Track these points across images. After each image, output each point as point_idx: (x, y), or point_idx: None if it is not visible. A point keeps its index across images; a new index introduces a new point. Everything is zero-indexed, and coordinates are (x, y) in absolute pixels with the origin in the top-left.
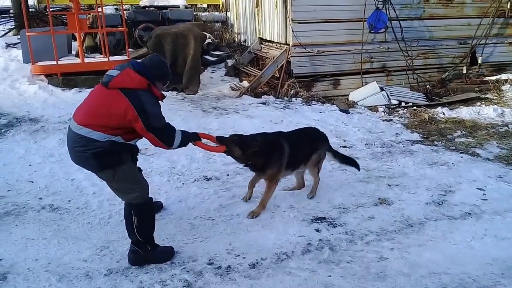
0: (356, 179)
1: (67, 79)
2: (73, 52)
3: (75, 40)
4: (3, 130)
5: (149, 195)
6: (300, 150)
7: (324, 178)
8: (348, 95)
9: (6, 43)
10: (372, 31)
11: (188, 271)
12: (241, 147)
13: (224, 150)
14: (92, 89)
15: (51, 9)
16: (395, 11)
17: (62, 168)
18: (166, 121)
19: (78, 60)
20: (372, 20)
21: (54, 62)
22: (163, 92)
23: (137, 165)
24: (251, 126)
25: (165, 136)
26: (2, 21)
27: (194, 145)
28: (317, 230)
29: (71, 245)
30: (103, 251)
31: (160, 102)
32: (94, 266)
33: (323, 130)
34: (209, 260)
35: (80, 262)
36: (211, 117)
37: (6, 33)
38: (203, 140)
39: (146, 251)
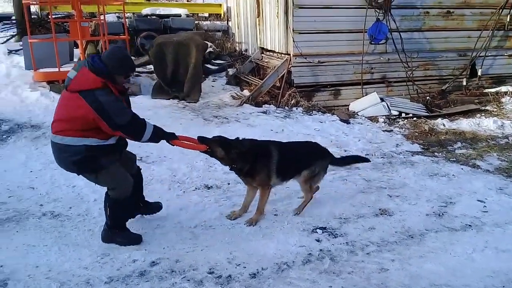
0: (357, 190)
1: None
2: (75, 59)
3: (77, 47)
4: (4, 136)
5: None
6: (292, 161)
7: (325, 187)
8: (348, 105)
9: (8, 49)
10: (372, 42)
11: (188, 280)
12: (224, 148)
13: (205, 149)
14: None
15: (53, 16)
16: (395, 23)
17: (63, 175)
18: (133, 114)
19: None
20: (373, 31)
21: (56, 69)
22: (126, 84)
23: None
24: (251, 135)
25: (132, 130)
26: (5, 28)
27: (172, 145)
28: (318, 240)
29: (71, 252)
30: (104, 258)
31: (122, 95)
32: (94, 273)
33: (323, 140)
34: (210, 269)
35: (81, 269)
36: (212, 125)
37: (8, 39)
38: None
39: (113, 233)
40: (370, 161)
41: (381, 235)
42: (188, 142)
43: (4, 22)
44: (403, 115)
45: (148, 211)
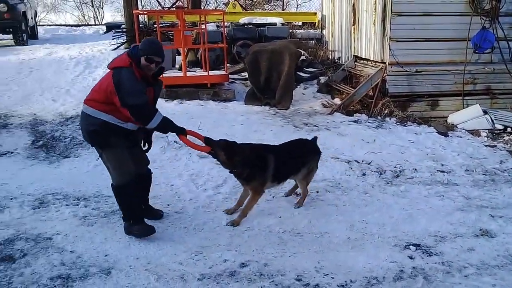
0: (455, 207)
1: (170, 91)
2: (177, 66)
3: (179, 54)
4: None
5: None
6: (289, 163)
7: (419, 203)
8: (447, 117)
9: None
10: (477, 51)
11: (276, 285)
12: (227, 153)
13: (208, 151)
14: None
15: (159, 25)
16: (503, 31)
17: (162, 174)
18: (146, 101)
19: (181, 74)
20: (478, 40)
21: None
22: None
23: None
24: (342, 144)
25: (140, 113)
26: (116, 36)
27: (179, 140)
28: (411, 257)
29: (168, 247)
30: (197, 255)
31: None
32: (188, 269)
33: (418, 153)
34: (297, 276)
35: (176, 264)
36: (302, 133)
37: (118, 47)
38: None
39: (130, 224)
40: None
41: (481, 257)
42: (194, 143)
43: (115, 30)
44: (509, 129)
45: (149, 216)
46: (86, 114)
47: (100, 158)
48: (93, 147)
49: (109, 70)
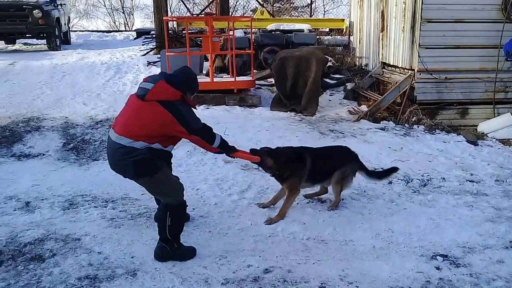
0: (484, 218)
1: (197, 96)
2: (204, 72)
3: (207, 60)
4: None
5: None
6: (323, 165)
7: (447, 213)
8: (476, 125)
9: (147, 61)
10: (509, 59)
11: None
12: (273, 157)
13: (258, 160)
14: (128, 100)
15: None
16: None
17: (188, 178)
18: (204, 123)
19: (208, 79)
20: (510, 48)
21: None
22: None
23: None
24: (368, 151)
25: (208, 134)
26: (145, 41)
27: (232, 157)
28: (438, 268)
29: None
30: (221, 260)
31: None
32: (212, 273)
33: (447, 161)
34: (321, 283)
35: (201, 268)
36: (328, 139)
37: (148, 52)
38: None
39: (172, 248)
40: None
41: (511, 270)
42: (245, 154)
43: (145, 36)
44: None
45: None
46: (132, 148)
47: (147, 187)
48: (135, 179)
49: (143, 101)
